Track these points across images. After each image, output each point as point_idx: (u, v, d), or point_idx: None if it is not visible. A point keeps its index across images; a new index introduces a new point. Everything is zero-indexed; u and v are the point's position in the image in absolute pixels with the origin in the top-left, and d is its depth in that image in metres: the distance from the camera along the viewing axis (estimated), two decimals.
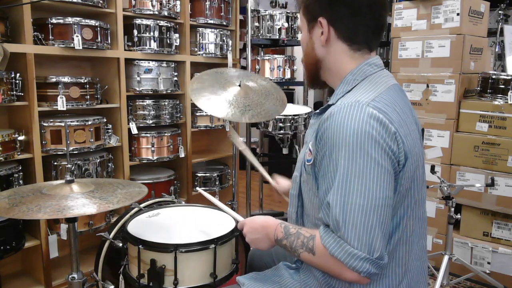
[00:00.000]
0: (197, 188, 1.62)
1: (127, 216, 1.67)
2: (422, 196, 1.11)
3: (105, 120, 2.54)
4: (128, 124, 2.67)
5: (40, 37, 2.23)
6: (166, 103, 2.81)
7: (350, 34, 1.09)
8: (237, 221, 1.39)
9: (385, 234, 0.96)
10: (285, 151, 3.35)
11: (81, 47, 2.30)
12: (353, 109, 0.97)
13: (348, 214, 0.94)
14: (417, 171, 1.04)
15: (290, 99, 4.69)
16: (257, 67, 3.27)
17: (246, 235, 1.23)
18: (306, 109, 3.12)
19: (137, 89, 2.69)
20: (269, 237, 1.16)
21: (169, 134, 2.85)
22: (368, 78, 1.09)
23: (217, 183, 3.21)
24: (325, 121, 1.01)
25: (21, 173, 2.18)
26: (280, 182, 1.66)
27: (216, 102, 2.00)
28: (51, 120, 2.29)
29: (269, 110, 2.10)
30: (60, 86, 2.29)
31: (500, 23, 3.68)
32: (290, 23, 3.15)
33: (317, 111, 1.15)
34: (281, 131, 2.97)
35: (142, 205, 1.76)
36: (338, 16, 1.08)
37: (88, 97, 2.41)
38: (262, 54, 3.37)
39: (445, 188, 2.22)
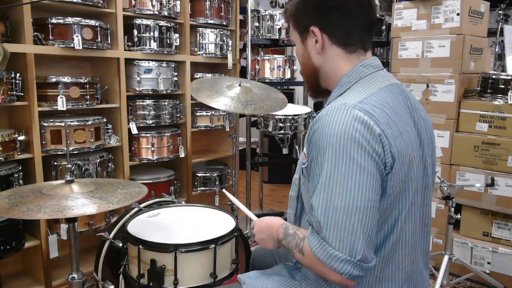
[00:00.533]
0: (224, 191, 1.63)
1: (127, 216, 1.67)
2: (422, 199, 1.08)
3: (105, 120, 2.54)
4: (128, 124, 2.67)
5: (40, 37, 2.23)
6: (166, 103, 2.81)
7: (344, 38, 1.09)
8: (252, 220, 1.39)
9: (369, 236, 0.95)
10: (285, 151, 3.36)
11: (81, 47, 2.30)
12: (338, 111, 0.98)
13: (330, 215, 0.94)
14: (410, 173, 1.02)
15: (290, 99, 4.69)
16: (257, 67, 3.27)
17: (255, 234, 1.25)
18: (306, 109, 3.12)
19: (137, 89, 2.69)
20: (273, 237, 1.17)
21: (169, 134, 2.85)
22: (362, 79, 1.08)
23: (217, 183, 3.21)
24: (314, 124, 1.02)
25: (21, 173, 2.18)
26: None
27: (218, 97, 2.01)
28: (51, 120, 2.29)
29: (271, 105, 2.11)
30: (60, 86, 2.28)
31: (500, 23, 3.68)
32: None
33: (314, 114, 1.15)
34: (281, 131, 2.98)
35: (142, 205, 1.76)
36: (329, 22, 1.08)
37: (88, 97, 2.41)
38: (262, 54, 3.37)
39: (445, 188, 2.22)
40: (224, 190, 1.63)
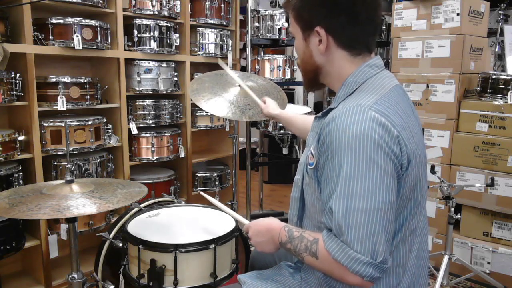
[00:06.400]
0: (201, 193, 1.61)
1: (127, 216, 1.67)
2: (424, 196, 1.11)
3: (105, 120, 2.54)
4: (128, 124, 2.67)
5: (40, 37, 2.23)
6: (166, 103, 2.81)
7: (350, 42, 1.07)
8: (241, 224, 1.38)
9: (388, 238, 0.96)
10: (285, 151, 3.36)
11: (81, 47, 2.30)
12: (355, 113, 0.96)
13: (351, 218, 0.93)
14: (420, 173, 1.04)
15: (290, 99, 4.69)
16: (257, 67, 3.27)
17: (252, 238, 1.22)
18: (306, 109, 3.11)
19: (137, 89, 2.69)
20: (274, 240, 1.15)
21: (169, 134, 2.85)
22: (369, 80, 1.07)
23: (217, 183, 3.21)
24: (327, 125, 1.00)
25: (21, 173, 2.18)
26: (267, 102, 1.80)
27: (217, 101, 2.00)
28: (51, 120, 2.29)
29: None
30: (60, 86, 2.29)
31: (500, 23, 3.68)
32: (290, 23, 3.16)
33: (319, 114, 1.14)
34: (281, 131, 2.98)
35: (142, 205, 1.76)
36: (336, 24, 1.06)
37: (88, 97, 2.41)
38: (262, 54, 3.37)
39: (445, 188, 2.22)
40: (202, 193, 1.59)
